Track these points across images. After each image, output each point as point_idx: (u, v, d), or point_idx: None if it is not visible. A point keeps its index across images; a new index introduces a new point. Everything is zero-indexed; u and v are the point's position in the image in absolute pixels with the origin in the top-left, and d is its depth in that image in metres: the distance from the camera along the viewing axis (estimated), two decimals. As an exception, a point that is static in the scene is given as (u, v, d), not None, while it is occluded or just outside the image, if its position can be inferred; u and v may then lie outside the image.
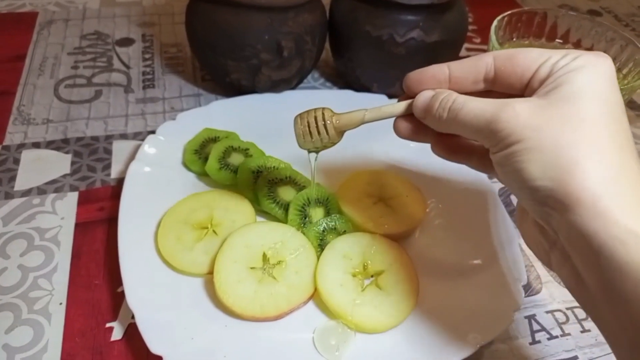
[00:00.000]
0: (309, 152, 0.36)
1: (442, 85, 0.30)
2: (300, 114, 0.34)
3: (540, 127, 0.24)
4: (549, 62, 0.26)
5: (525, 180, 0.25)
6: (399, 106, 0.32)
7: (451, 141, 0.32)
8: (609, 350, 0.39)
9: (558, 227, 0.24)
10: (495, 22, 0.48)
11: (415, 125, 0.32)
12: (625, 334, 0.22)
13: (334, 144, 0.34)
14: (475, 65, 0.29)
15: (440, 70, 0.30)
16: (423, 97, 0.30)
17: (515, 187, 0.26)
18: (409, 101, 0.31)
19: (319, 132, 0.33)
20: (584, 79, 0.25)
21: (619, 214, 0.22)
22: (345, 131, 0.34)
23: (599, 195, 0.22)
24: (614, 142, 0.24)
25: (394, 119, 0.33)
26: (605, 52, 0.50)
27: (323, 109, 0.33)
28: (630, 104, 0.65)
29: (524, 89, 0.27)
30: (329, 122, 0.33)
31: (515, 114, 0.25)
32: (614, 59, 0.49)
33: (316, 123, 0.33)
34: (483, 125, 0.26)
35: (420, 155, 0.51)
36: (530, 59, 0.27)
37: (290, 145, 0.51)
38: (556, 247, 0.26)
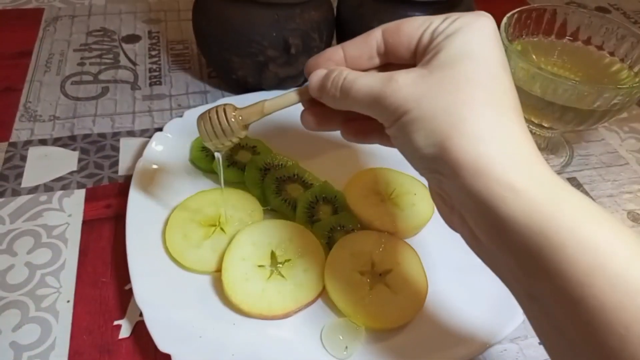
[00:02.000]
0: (216, 150, 0.35)
1: (339, 66, 0.30)
2: (202, 115, 0.33)
3: (421, 96, 0.25)
4: (430, 29, 0.26)
5: (414, 151, 0.25)
6: (295, 92, 0.32)
7: (357, 124, 0.33)
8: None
9: (450, 191, 0.25)
10: (504, 20, 0.48)
11: (320, 116, 0.33)
12: (518, 281, 0.24)
13: (240, 138, 0.34)
14: (366, 42, 0.29)
15: (335, 52, 0.30)
16: (316, 77, 0.30)
17: (409, 158, 0.27)
18: (304, 86, 0.32)
19: (223, 131, 0.33)
20: (460, 41, 0.25)
21: (499, 171, 0.22)
22: (249, 124, 0.33)
23: (477, 155, 0.23)
24: (491, 101, 0.24)
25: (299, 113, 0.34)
26: (615, 49, 0.49)
27: (225, 105, 0.33)
28: None
29: (414, 58, 0.28)
30: (232, 119, 0.32)
31: (398, 86, 0.25)
32: (625, 56, 0.49)
33: (219, 121, 0.32)
34: (372, 100, 0.27)
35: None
36: (413, 27, 0.27)
37: (298, 143, 0.51)
38: (454, 210, 0.26)
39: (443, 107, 0.24)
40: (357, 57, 0.30)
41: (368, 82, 0.27)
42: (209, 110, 0.33)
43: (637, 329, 0.19)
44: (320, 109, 0.32)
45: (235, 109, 0.33)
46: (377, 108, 0.27)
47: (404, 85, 0.25)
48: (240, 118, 0.33)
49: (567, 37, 0.52)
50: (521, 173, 0.22)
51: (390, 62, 0.30)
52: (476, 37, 0.25)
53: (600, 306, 0.20)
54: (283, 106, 0.33)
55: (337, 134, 0.51)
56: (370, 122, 0.30)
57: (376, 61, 0.30)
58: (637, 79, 0.46)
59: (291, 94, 0.32)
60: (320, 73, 0.30)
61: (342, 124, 0.33)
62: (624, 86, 0.41)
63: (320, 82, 0.30)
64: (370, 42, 0.29)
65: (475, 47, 0.25)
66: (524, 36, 0.51)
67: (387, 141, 0.32)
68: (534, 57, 0.51)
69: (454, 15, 0.26)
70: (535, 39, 0.52)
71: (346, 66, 0.30)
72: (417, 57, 0.27)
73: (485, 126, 0.23)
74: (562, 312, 0.21)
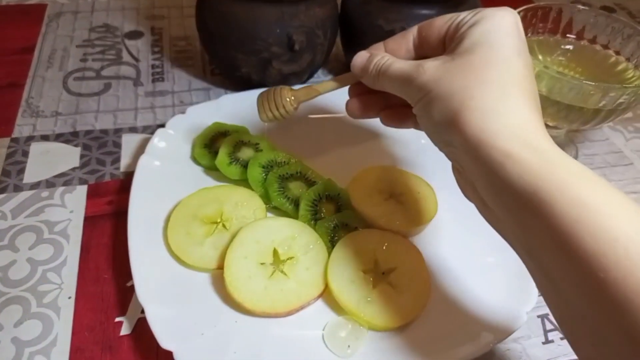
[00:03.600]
0: (268, 121, 0.40)
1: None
2: (262, 93, 0.39)
3: (441, 78, 0.28)
4: (456, 21, 0.30)
5: (432, 126, 0.29)
6: (340, 77, 0.37)
7: (394, 112, 0.37)
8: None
9: (462, 163, 0.28)
10: (510, 17, 0.47)
11: (363, 103, 0.38)
12: (518, 239, 0.26)
13: (290, 114, 0.39)
14: (404, 37, 0.34)
15: (378, 47, 0.35)
16: (360, 57, 0.35)
17: (429, 134, 0.31)
18: (349, 73, 0.36)
19: (277, 107, 0.38)
20: (480, 30, 0.28)
21: (499, 141, 0.25)
22: (299, 103, 0.39)
23: (480, 128, 0.26)
24: (500, 81, 0.27)
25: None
26: (621, 49, 0.49)
27: (282, 87, 0.39)
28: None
29: (443, 48, 0.31)
30: (287, 99, 0.38)
31: (423, 70, 0.29)
32: (631, 56, 0.48)
33: (274, 98, 0.38)
34: (403, 81, 0.31)
35: (431, 151, 0.51)
36: (442, 21, 0.31)
37: (301, 140, 0.51)
38: (468, 181, 0.29)
39: (458, 87, 0.27)
40: (396, 49, 0.34)
41: (401, 65, 0.31)
42: (268, 89, 0.39)
43: (615, 275, 0.21)
44: (363, 97, 0.38)
45: (290, 90, 0.39)
46: (406, 88, 0.31)
47: (428, 70, 0.29)
48: (292, 98, 0.38)
49: (573, 36, 0.52)
50: (518, 142, 0.25)
51: (425, 54, 0.33)
52: (495, 26, 0.28)
53: (583, 254, 0.22)
54: (330, 89, 0.38)
55: (341, 131, 0.51)
56: (405, 109, 0.35)
57: (412, 54, 0.34)
58: (643, 79, 0.46)
59: (338, 78, 0.37)
60: (364, 54, 0.35)
61: (381, 111, 0.38)
62: (630, 85, 0.41)
63: (363, 62, 0.34)
64: (407, 37, 0.34)
65: (492, 35, 0.28)
66: (529, 34, 0.51)
67: (419, 125, 0.35)
68: (539, 55, 0.50)
69: (479, 9, 0.30)
70: (540, 38, 0.51)
71: None
72: (445, 46, 0.31)
73: (490, 102, 0.26)
74: (553, 264, 0.24)
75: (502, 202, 0.26)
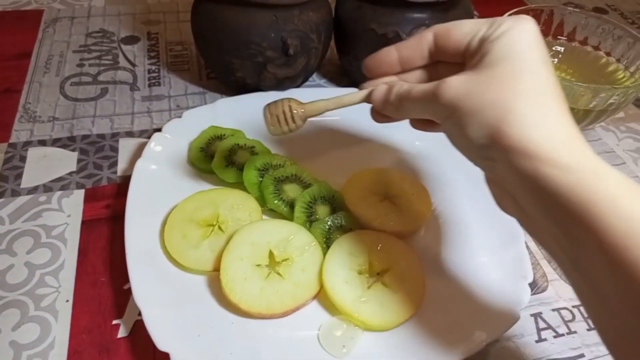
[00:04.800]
0: (274, 134, 0.38)
1: (394, 66, 0.34)
2: (268, 105, 0.37)
3: (470, 93, 0.27)
4: (478, 36, 0.30)
5: (467, 142, 0.28)
6: (357, 96, 0.36)
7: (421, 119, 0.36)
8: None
9: (502, 175, 0.28)
10: (501, 20, 0.48)
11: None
12: (564, 250, 0.26)
13: (298, 128, 0.37)
14: (419, 44, 0.33)
15: (389, 53, 0.34)
16: (379, 92, 0.34)
17: (463, 150, 0.30)
18: (365, 92, 0.35)
19: (286, 121, 0.36)
20: (503, 43, 0.28)
21: (546, 152, 0.25)
22: (307, 118, 0.37)
23: (525, 140, 0.25)
24: (533, 93, 0.26)
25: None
26: (612, 50, 0.50)
27: (289, 99, 0.37)
28: (638, 102, 0.65)
29: (462, 58, 0.31)
30: (295, 112, 0.36)
31: (447, 87, 0.28)
32: (621, 57, 0.49)
33: (284, 113, 0.36)
34: (427, 102, 0.30)
35: (425, 153, 0.51)
36: (462, 33, 0.31)
37: (296, 143, 0.51)
38: (506, 193, 0.29)
39: (490, 101, 0.27)
40: (411, 57, 0.34)
41: (422, 87, 0.30)
42: (276, 101, 0.37)
43: None
44: None
45: (299, 103, 0.37)
46: (431, 108, 0.30)
47: (453, 86, 0.28)
48: (302, 111, 0.36)
49: (564, 38, 0.52)
50: (565, 153, 0.25)
51: (439, 60, 0.33)
52: (518, 38, 0.28)
53: (634, 269, 0.22)
54: (344, 106, 0.36)
55: (336, 134, 0.51)
56: None
57: (427, 60, 0.34)
58: (633, 79, 0.47)
59: (352, 97, 0.36)
60: (382, 88, 0.34)
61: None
62: (619, 86, 0.42)
63: (383, 95, 0.34)
64: (422, 44, 0.33)
65: (517, 48, 0.28)
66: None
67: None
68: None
69: (498, 20, 0.29)
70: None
71: (400, 66, 0.34)
72: (466, 59, 0.30)
73: (530, 115, 0.26)
74: (602, 277, 0.24)
75: (550, 214, 0.26)
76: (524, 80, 0.27)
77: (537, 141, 0.25)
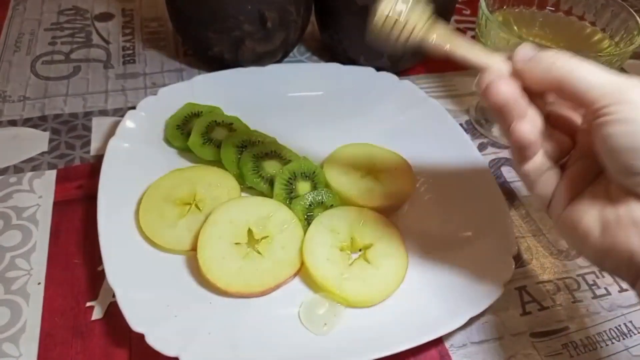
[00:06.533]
0: (378, 32, 0.30)
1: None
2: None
3: None
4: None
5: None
6: (494, 57, 0.29)
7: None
8: (600, 320, 0.39)
9: None
10: (485, -10, 0.47)
11: None
12: None
13: (405, 46, 0.30)
14: (587, 171, 0.28)
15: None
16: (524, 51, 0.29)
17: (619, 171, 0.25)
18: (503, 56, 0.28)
19: (404, 29, 0.29)
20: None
21: None
22: (425, 42, 0.29)
23: None
24: None
25: None
26: (596, 19, 0.49)
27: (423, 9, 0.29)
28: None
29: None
30: (421, 25, 0.29)
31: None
32: (606, 26, 0.48)
33: (405, 23, 0.29)
34: (605, 90, 0.24)
35: (409, 128, 0.50)
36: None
37: (276, 119, 0.50)
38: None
39: None
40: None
41: (598, 73, 0.25)
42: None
43: None
44: None
45: (431, 16, 0.29)
46: (605, 99, 0.25)
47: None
48: (426, 33, 0.29)
49: (549, 8, 0.51)
50: None
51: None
52: None
53: None
54: (471, 62, 0.29)
55: (316, 109, 0.49)
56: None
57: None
58: (617, 48, 0.46)
59: (487, 57, 0.29)
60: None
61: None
62: (604, 54, 0.41)
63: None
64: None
65: None
66: (505, 7, 0.50)
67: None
68: (515, 28, 0.50)
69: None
70: (516, 10, 0.51)
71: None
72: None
73: None
74: None
75: None
76: None
77: None
